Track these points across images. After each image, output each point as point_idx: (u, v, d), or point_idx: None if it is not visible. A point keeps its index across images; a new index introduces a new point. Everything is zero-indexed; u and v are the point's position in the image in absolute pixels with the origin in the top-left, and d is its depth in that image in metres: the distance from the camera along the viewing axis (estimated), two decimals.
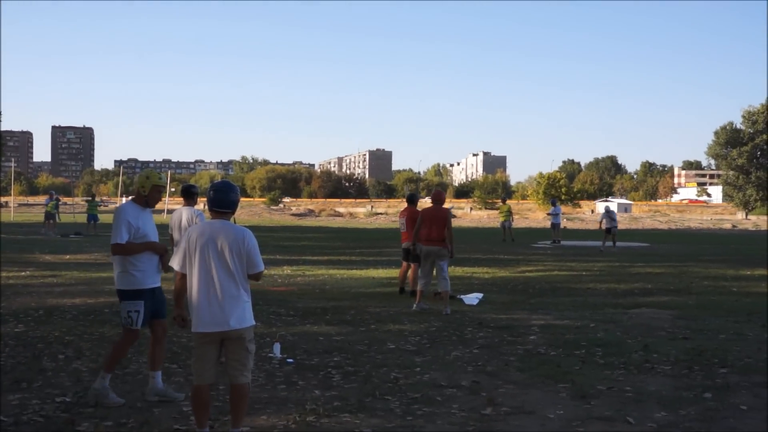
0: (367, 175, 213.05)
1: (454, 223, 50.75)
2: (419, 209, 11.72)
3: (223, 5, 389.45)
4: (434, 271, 10.76)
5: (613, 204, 25.23)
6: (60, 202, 32.34)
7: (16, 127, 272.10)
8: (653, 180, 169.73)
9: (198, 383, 4.73)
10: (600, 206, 77.91)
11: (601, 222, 25.66)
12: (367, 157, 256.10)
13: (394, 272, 14.95)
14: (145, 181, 5.91)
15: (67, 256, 18.99)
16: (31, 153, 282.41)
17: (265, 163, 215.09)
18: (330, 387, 6.24)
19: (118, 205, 7.82)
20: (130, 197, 5.93)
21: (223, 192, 4.81)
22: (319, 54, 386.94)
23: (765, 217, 66.49)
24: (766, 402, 5.87)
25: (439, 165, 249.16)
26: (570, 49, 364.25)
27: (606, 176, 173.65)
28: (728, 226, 53.77)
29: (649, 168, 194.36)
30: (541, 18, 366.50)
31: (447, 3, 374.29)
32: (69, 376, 6.49)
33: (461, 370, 6.92)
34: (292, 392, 6.07)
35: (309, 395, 5.96)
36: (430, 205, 11.00)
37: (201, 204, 11.80)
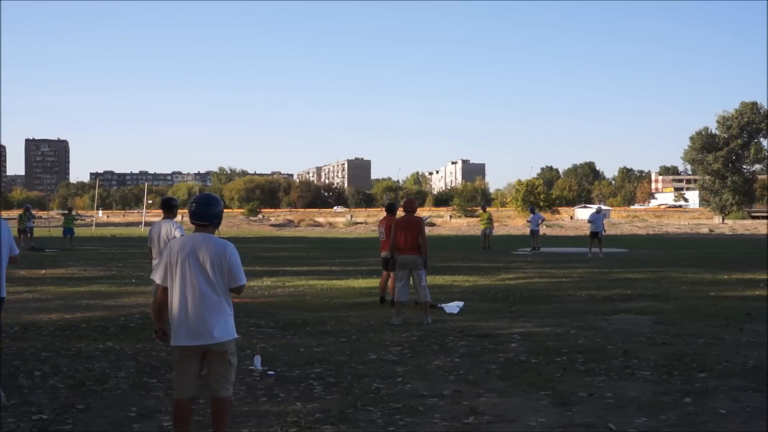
0: (346, 185, 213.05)
1: (435, 231, 51.04)
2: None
3: (201, 17, 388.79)
4: (411, 281, 10.71)
5: (593, 210, 25.18)
6: (35, 217, 31.91)
7: None
8: (631, 186, 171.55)
9: (179, 396, 4.70)
10: (579, 212, 78.43)
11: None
12: (346, 166, 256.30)
13: (374, 282, 14.93)
14: None
15: (43, 271, 18.76)
16: (5, 167, 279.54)
17: (243, 173, 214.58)
18: (311, 399, 6.21)
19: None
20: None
21: (203, 205, 4.81)
22: (297, 63, 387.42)
23: (741, 221, 67.28)
24: (745, 406, 5.92)
25: (418, 173, 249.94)
26: (547, 55, 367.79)
27: (584, 182, 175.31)
28: (705, 230, 54.31)
29: (626, 174, 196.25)
30: (519, 24, 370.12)
31: (425, 8, 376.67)
32: (46, 393, 6.39)
33: (443, 379, 6.92)
34: (273, 405, 6.03)
35: (290, 407, 5.92)
36: (403, 213, 10.96)
37: (180, 216, 11.72)
